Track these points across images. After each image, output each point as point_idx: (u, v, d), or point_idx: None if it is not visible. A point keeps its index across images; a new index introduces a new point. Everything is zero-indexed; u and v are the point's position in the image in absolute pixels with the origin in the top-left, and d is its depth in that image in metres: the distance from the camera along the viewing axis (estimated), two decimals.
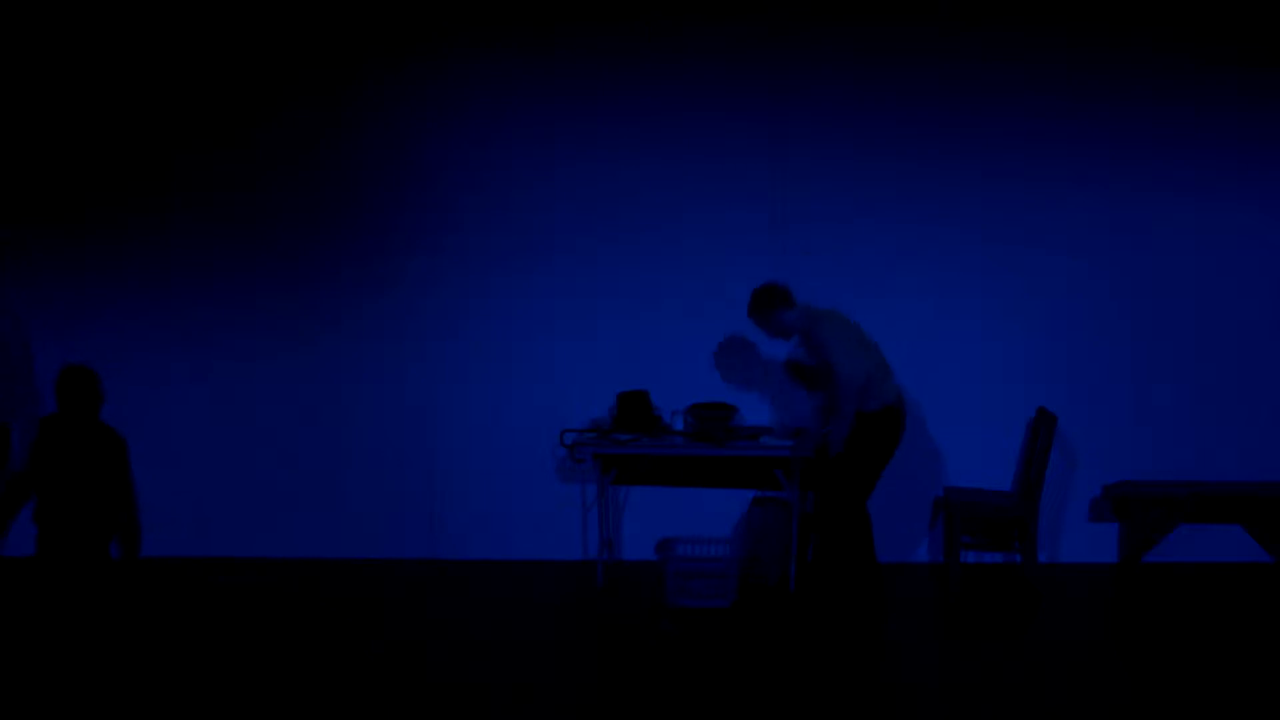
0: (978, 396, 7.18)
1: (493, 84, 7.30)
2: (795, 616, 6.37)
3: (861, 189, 7.21)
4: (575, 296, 7.34)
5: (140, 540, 6.23)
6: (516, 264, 7.36)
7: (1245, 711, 5.13)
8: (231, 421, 7.50)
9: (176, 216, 7.45)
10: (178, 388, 7.49)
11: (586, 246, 7.32)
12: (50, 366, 7.40)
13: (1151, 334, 7.18)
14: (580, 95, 7.28)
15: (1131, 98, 7.10)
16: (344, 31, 7.33)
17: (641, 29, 7.23)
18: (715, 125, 7.24)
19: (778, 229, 7.25)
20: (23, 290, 7.49)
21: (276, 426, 7.48)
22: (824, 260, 7.23)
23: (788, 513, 6.76)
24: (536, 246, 7.35)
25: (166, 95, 7.41)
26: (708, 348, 7.29)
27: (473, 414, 7.42)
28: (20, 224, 7.47)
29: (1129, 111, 7.11)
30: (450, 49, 7.31)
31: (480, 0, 7.27)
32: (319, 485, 7.48)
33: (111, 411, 7.51)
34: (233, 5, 7.34)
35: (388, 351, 7.43)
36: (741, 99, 7.22)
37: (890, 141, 7.18)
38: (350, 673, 5.59)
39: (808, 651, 5.86)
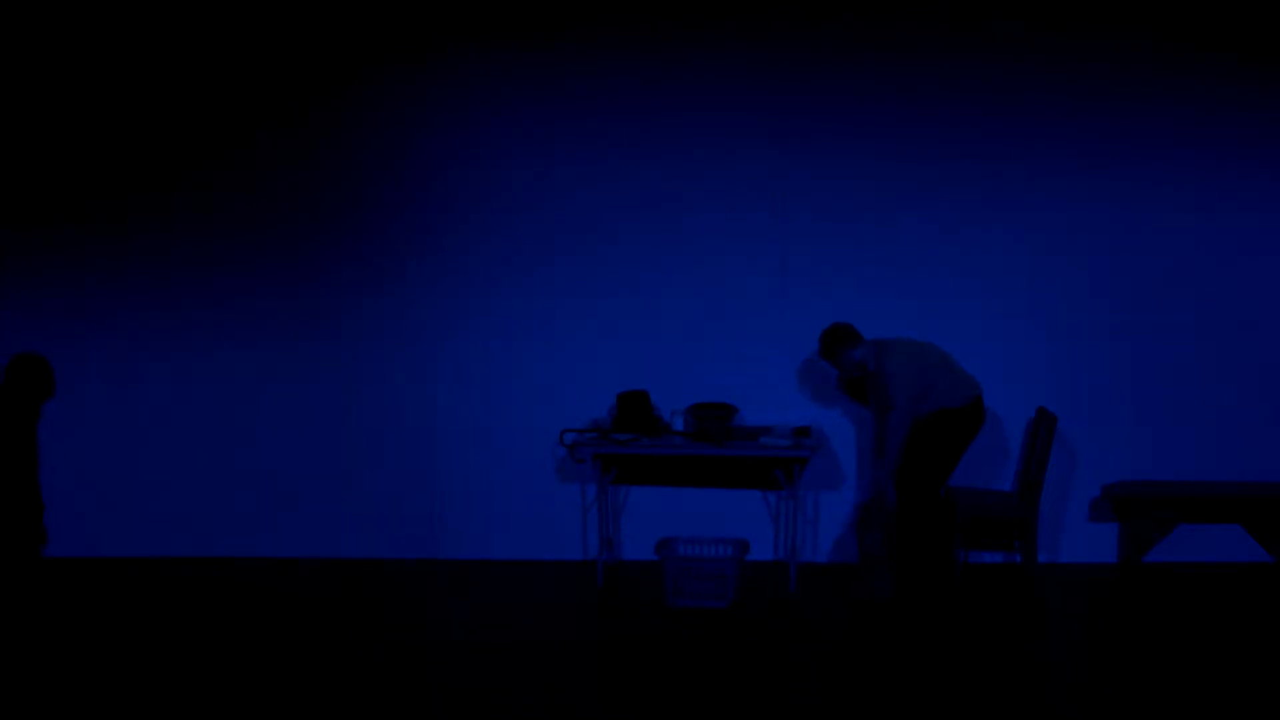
0: None
1: (493, 84, 7.30)
2: (794, 616, 6.37)
3: (862, 189, 7.21)
4: (575, 296, 7.34)
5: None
6: (516, 264, 7.36)
7: (1245, 712, 5.13)
8: (231, 421, 7.49)
9: (177, 216, 7.44)
10: (177, 387, 7.48)
11: (586, 246, 7.32)
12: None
13: (1151, 334, 7.17)
14: (580, 95, 7.28)
15: (1132, 98, 7.10)
16: (345, 31, 7.32)
17: (642, 29, 7.23)
18: (716, 125, 7.23)
19: (778, 229, 7.25)
20: (23, 289, 7.51)
21: (276, 426, 7.47)
22: (824, 261, 7.23)
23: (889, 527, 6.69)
24: (536, 246, 7.34)
25: (167, 95, 7.40)
26: (708, 347, 7.29)
27: (473, 414, 7.42)
28: (21, 223, 7.47)
29: (1130, 112, 7.10)
30: (451, 49, 7.31)
31: (480, 1, 7.27)
32: (319, 485, 7.47)
33: (111, 411, 7.54)
34: (233, 5, 7.34)
35: (388, 351, 7.43)
36: (742, 98, 7.21)
37: (890, 142, 7.17)
38: (350, 673, 5.59)
39: (806, 651, 5.87)
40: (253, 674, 5.58)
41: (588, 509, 7.36)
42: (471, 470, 7.42)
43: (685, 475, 7.36)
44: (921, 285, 7.20)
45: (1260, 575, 6.99)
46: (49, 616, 6.39)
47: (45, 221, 7.48)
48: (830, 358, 6.70)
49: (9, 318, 7.49)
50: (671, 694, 5.35)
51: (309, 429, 7.47)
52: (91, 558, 7.46)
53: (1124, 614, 6.46)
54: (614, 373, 7.27)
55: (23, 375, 6.18)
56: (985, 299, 7.20)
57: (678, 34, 7.21)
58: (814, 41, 7.17)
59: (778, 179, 7.23)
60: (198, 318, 7.47)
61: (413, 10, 7.30)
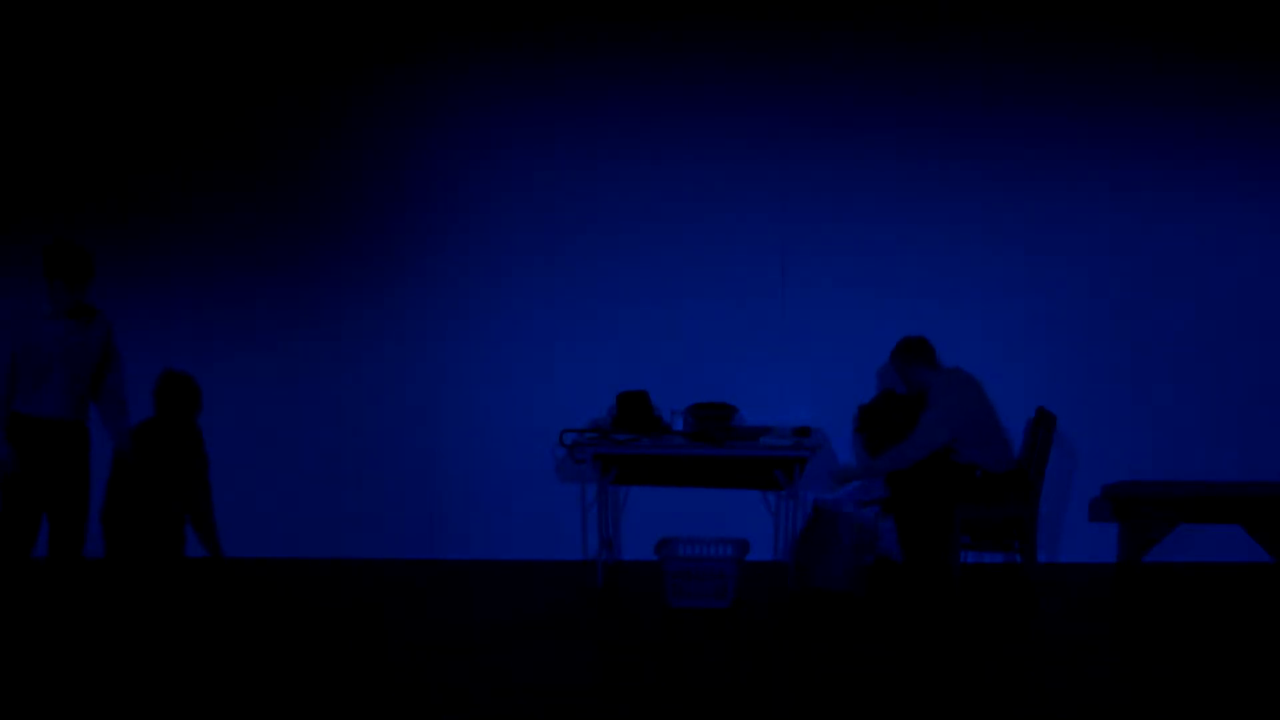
0: None
1: (493, 84, 7.30)
2: (794, 617, 6.37)
3: (862, 189, 7.21)
4: (575, 296, 7.34)
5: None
6: (516, 264, 7.36)
7: (1245, 711, 5.13)
8: (231, 421, 7.48)
9: (176, 216, 7.44)
10: None
11: (586, 246, 7.31)
12: None
13: (1152, 334, 7.17)
14: (580, 95, 7.28)
15: (1132, 98, 7.10)
16: (344, 31, 7.32)
17: (642, 29, 7.23)
18: (716, 125, 7.23)
19: (778, 229, 7.25)
20: (20, 288, 7.50)
21: (276, 426, 7.47)
22: (824, 261, 7.23)
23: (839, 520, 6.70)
24: (537, 246, 7.34)
25: (167, 95, 7.40)
26: (708, 347, 7.29)
27: (473, 414, 7.41)
28: (19, 223, 7.47)
29: (1130, 111, 7.11)
30: (450, 49, 7.31)
31: (480, 1, 7.27)
32: (319, 485, 7.47)
33: None
34: (234, 5, 7.34)
35: (388, 351, 7.43)
36: (742, 98, 7.21)
37: (891, 142, 7.17)
38: (350, 673, 5.59)
39: (806, 651, 5.87)
40: (252, 674, 5.58)
41: (588, 509, 7.36)
42: (471, 470, 7.42)
43: (685, 475, 7.35)
44: (922, 285, 7.20)
45: (1260, 575, 6.98)
46: (51, 618, 6.38)
47: (43, 221, 7.47)
48: (900, 362, 6.70)
49: (6, 317, 7.47)
50: (671, 694, 5.35)
51: (309, 429, 7.46)
52: (90, 558, 7.44)
53: (1124, 614, 6.45)
54: (614, 373, 7.26)
55: (174, 393, 6.24)
56: (985, 298, 7.19)
57: (678, 34, 7.21)
58: (815, 42, 7.17)
59: (778, 179, 7.22)
60: (196, 317, 7.47)
61: (413, 10, 7.30)
